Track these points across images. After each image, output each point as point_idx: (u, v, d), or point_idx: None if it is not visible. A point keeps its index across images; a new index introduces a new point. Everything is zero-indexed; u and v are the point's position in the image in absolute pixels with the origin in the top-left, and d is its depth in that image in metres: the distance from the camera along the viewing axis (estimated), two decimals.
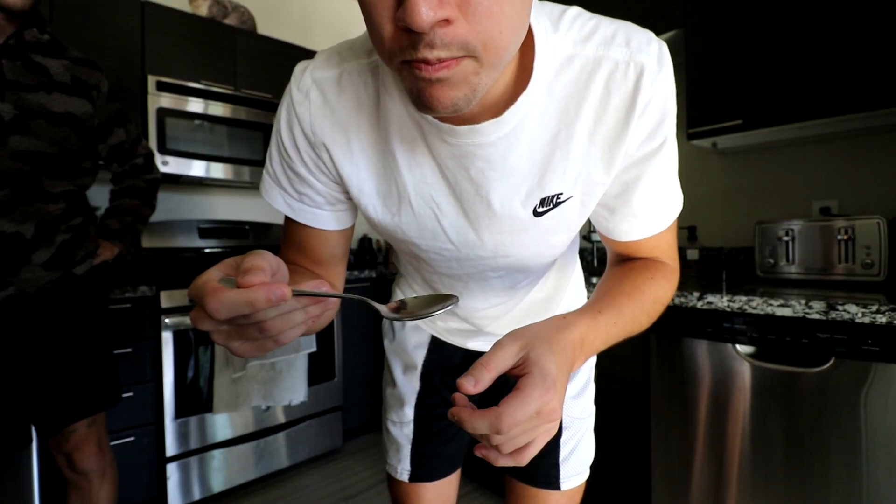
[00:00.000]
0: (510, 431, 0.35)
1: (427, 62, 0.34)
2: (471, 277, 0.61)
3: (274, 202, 0.57)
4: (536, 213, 0.50)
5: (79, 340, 1.18)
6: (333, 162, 0.52)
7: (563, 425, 0.74)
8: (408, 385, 0.79)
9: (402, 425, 0.80)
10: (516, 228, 0.52)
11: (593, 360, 0.81)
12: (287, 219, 0.59)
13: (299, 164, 0.53)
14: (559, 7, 0.47)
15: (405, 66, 0.36)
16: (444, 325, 0.75)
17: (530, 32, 0.44)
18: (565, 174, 0.48)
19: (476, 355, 0.78)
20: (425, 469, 0.78)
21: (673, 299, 1.30)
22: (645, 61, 0.44)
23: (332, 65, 0.51)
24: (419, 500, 0.79)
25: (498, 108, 0.44)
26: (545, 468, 0.75)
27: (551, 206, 0.50)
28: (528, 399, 0.35)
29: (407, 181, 0.50)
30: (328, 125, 0.50)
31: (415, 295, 0.76)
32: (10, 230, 1.05)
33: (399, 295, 0.80)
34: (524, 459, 0.38)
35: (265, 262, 0.35)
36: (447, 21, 0.33)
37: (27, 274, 1.08)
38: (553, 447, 0.74)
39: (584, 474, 0.77)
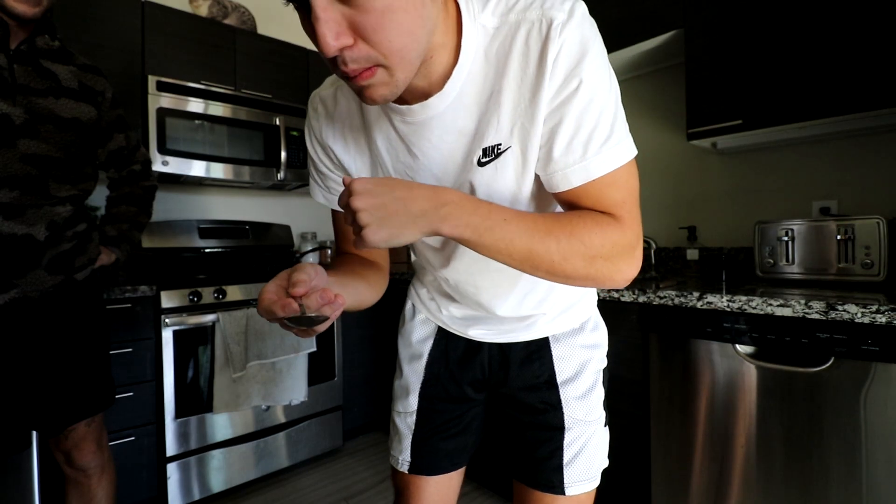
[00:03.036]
0: (345, 217, 0.49)
1: (347, 74, 0.46)
2: (465, 251, 0.67)
3: (316, 198, 0.73)
4: (480, 163, 0.57)
5: (80, 344, 1.19)
6: (339, 159, 0.67)
7: (566, 426, 0.74)
8: (413, 374, 0.83)
9: (405, 415, 0.82)
10: (465, 180, 0.59)
11: (602, 363, 0.79)
12: (332, 214, 0.74)
13: (320, 164, 0.69)
14: None
15: (344, 79, 0.48)
16: (448, 314, 0.79)
17: (460, 17, 0.53)
18: (500, 125, 0.55)
19: (477, 345, 0.80)
20: (424, 461, 0.80)
21: (672, 299, 1.31)
22: (555, 15, 0.50)
23: (331, 84, 0.66)
24: (418, 492, 0.80)
25: (443, 82, 0.54)
26: (548, 471, 0.74)
27: (492, 156, 0.56)
28: (343, 190, 0.49)
29: (388, 163, 0.63)
30: (331, 132, 0.66)
31: (425, 290, 0.84)
32: (20, 232, 1.06)
33: (413, 293, 0.87)
34: (355, 243, 0.49)
35: (305, 276, 0.47)
36: (348, 46, 0.44)
37: (34, 277, 1.09)
38: (556, 449, 0.74)
39: (593, 481, 0.75)
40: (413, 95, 0.55)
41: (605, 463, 0.77)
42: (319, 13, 0.42)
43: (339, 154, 0.66)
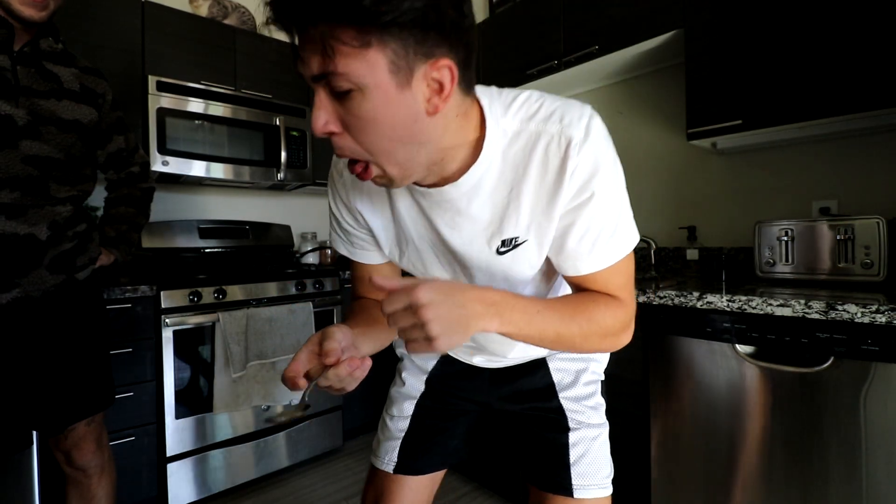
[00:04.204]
0: (395, 318, 0.50)
1: (339, 157, 0.55)
2: None
3: (340, 250, 0.77)
4: (499, 252, 0.63)
5: (81, 344, 1.19)
6: (365, 219, 0.71)
7: (570, 427, 0.79)
8: (415, 386, 0.88)
9: (399, 419, 0.87)
10: (484, 263, 0.65)
11: (597, 376, 0.85)
12: (352, 263, 0.79)
13: (344, 223, 0.73)
14: (514, 93, 0.61)
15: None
16: None
17: (483, 118, 0.58)
18: (518, 222, 0.61)
19: (478, 370, 0.85)
20: (410, 463, 0.84)
21: (672, 299, 1.31)
22: (573, 134, 0.55)
23: None
24: (399, 491, 0.83)
25: (461, 172, 0.59)
26: (555, 470, 0.77)
27: (510, 247, 0.63)
28: (399, 294, 0.50)
29: (411, 232, 0.68)
30: (358, 196, 0.70)
31: None
32: (23, 231, 1.07)
33: None
34: (411, 348, 0.51)
35: (336, 344, 0.54)
36: (335, 133, 0.51)
37: (36, 276, 1.09)
38: (562, 447, 0.78)
39: (604, 489, 0.77)
40: (428, 182, 0.61)
41: (612, 474, 0.79)
42: (317, 101, 0.49)
43: (366, 216, 0.70)
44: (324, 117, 0.50)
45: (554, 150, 0.56)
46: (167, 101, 1.98)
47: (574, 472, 0.76)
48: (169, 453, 1.75)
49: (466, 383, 0.86)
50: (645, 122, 2.08)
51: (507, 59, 2.20)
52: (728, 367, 1.23)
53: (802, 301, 1.10)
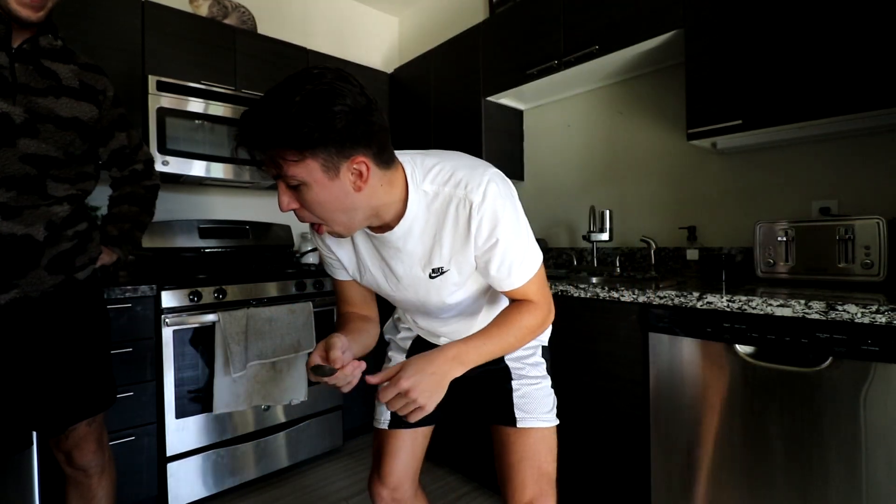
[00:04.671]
0: (391, 404, 0.71)
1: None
2: (419, 308, 0.97)
3: (327, 271, 1.00)
4: (431, 276, 0.87)
5: (81, 344, 1.19)
6: (333, 252, 0.94)
7: (512, 377, 1.02)
8: (399, 360, 1.06)
9: None
10: (422, 284, 0.89)
11: (539, 342, 1.06)
12: (335, 283, 1.01)
13: (324, 253, 0.96)
14: (432, 161, 0.82)
15: None
16: (421, 331, 1.10)
17: (407, 182, 0.79)
18: (442, 256, 0.84)
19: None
20: (400, 419, 1.02)
21: (672, 299, 1.31)
22: (473, 199, 0.77)
23: None
24: (395, 441, 1.05)
25: (397, 220, 0.81)
26: (502, 408, 1.00)
27: (439, 273, 0.86)
28: (388, 387, 0.71)
29: (367, 261, 0.91)
30: (328, 235, 0.90)
31: (408, 317, 1.10)
32: (20, 232, 1.06)
33: (401, 313, 1.14)
34: (411, 418, 0.72)
35: (339, 352, 0.72)
36: (296, 209, 0.73)
37: (34, 277, 1.09)
38: (507, 393, 1.00)
39: (544, 422, 0.98)
40: (375, 226, 0.83)
41: (552, 411, 1.00)
42: (279, 189, 0.71)
43: (334, 249, 0.93)
44: (286, 200, 0.72)
45: (462, 210, 0.78)
46: (167, 100, 1.98)
47: (516, 408, 0.98)
48: (169, 453, 1.75)
49: None
50: (645, 122, 2.08)
51: (507, 59, 2.20)
52: (728, 367, 1.23)
53: (802, 301, 1.10)
